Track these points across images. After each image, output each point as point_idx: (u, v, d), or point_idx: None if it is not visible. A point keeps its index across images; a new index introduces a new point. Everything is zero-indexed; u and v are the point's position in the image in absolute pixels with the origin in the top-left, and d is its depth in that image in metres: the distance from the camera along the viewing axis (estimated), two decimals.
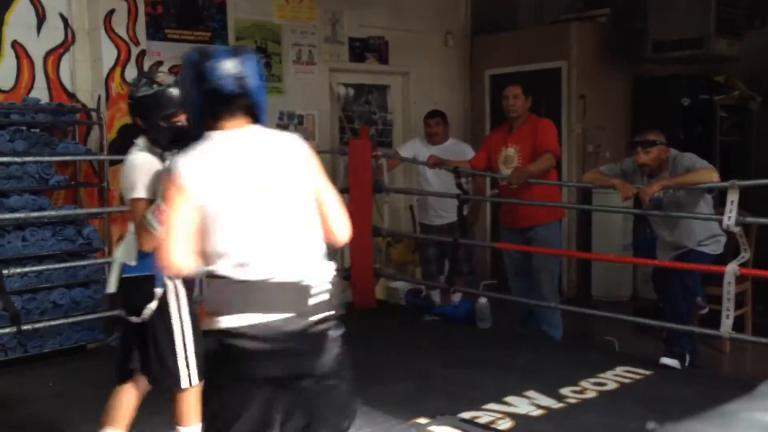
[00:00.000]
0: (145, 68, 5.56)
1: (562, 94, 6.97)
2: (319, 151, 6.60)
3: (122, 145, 5.33)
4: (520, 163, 5.27)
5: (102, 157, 5.38)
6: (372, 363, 4.73)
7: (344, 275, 6.44)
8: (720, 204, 4.71)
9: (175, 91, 2.89)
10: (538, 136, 5.25)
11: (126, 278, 2.99)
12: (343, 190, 6.44)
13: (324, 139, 6.75)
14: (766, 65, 6.98)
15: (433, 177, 6.14)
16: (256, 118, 2.27)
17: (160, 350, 2.98)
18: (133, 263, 2.97)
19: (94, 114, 5.47)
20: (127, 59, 5.54)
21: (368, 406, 3.93)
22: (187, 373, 3.00)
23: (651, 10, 6.73)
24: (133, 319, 3.00)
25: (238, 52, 2.24)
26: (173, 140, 2.85)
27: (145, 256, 2.88)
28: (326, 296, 2.17)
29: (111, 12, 5.46)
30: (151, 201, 2.86)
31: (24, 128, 5.05)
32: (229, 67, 2.18)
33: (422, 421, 3.78)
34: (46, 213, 4.93)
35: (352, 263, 6.27)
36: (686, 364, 4.65)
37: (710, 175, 4.42)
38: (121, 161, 5.20)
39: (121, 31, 5.51)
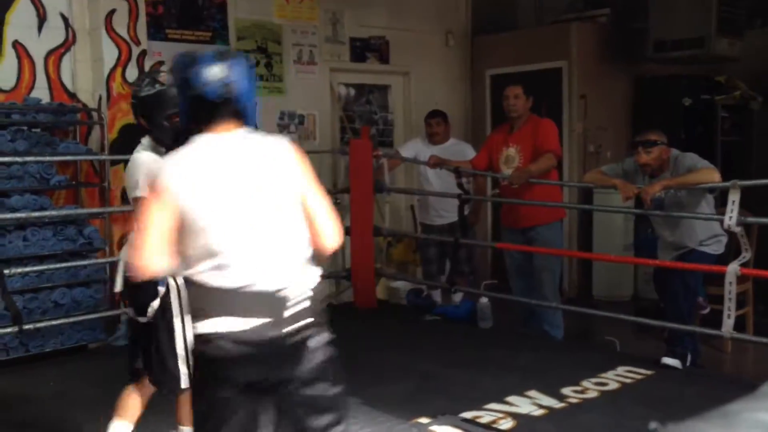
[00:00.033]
0: (146, 68, 5.56)
1: (562, 94, 6.97)
2: (320, 151, 6.65)
3: (123, 145, 5.34)
4: (521, 163, 5.27)
5: (103, 157, 5.38)
6: (373, 363, 4.74)
7: (345, 275, 6.46)
8: (721, 204, 4.71)
9: None
10: (539, 136, 5.25)
11: (130, 277, 3.00)
12: (343, 190, 6.47)
13: (325, 139, 6.75)
14: (766, 65, 6.97)
15: (434, 177, 6.13)
16: (245, 121, 2.25)
17: (161, 350, 2.99)
18: None
19: (95, 114, 5.47)
20: (128, 59, 5.54)
21: (369, 405, 3.94)
22: (187, 374, 3.00)
23: (652, 10, 6.73)
24: (141, 319, 3.01)
25: (225, 57, 2.21)
26: (176, 139, 2.86)
27: None
28: (306, 304, 2.16)
29: (112, 12, 5.46)
30: None
31: (25, 128, 5.05)
32: (214, 72, 2.16)
33: (423, 420, 3.78)
34: (47, 213, 4.94)
35: (353, 263, 6.28)
36: (688, 364, 4.64)
37: (711, 175, 4.42)
38: (122, 161, 5.25)
39: (122, 31, 5.51)
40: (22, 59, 5.27)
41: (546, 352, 5.00)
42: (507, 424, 3.76)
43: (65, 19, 5.44)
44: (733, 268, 4.36)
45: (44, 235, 4.97)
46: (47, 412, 4.03)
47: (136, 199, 2.91)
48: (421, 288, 6.50)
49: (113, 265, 4.57)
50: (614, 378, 4.41)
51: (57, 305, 4.99)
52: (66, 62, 5.45)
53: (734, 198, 4.32)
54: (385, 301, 6.53)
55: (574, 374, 4.40)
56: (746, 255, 4.41)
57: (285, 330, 2.12)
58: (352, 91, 7.18)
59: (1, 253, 4.76)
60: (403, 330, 5.66)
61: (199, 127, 2.21)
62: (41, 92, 5.31)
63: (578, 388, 4.23)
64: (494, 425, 3.74)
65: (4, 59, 5.20)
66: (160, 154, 2.97)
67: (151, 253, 2.09)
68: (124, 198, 4.98)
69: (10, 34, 5.21)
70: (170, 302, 2.99)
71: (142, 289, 2.94)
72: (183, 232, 2.12)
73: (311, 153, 6.47)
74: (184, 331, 2.99)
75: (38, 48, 5.33)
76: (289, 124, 6.52)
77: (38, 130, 5.15)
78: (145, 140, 3.06)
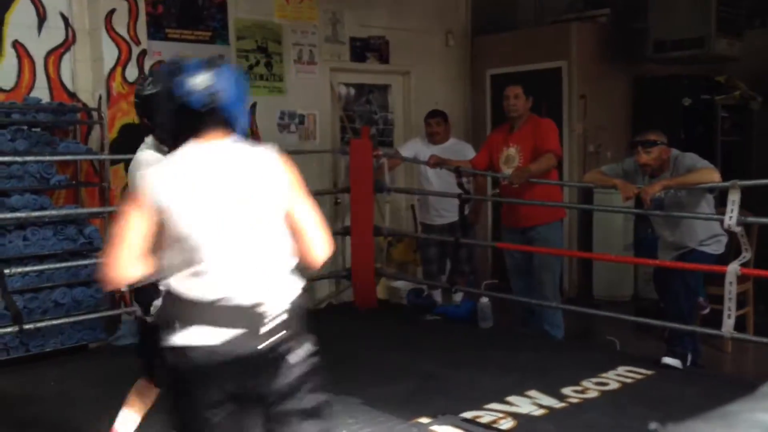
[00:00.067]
0: (146, 68, 5.56)
1: (562, 94, 6.96)
2: (320, 151, 6.65)
3: (123, 144, 5.35)
4: (521, 163, 5.27)
5: (103, 157, 5.38)
6: (373, 362, 4.74)
7: (345, 275, 6.46)
8: (721, 204, 4.70)
9: None
10: (539, 136, 5.25)
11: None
12: (343, 190, 6.47)
13: (325, 139, 6.75)
14: (766, 65, 6.97)
15: (434, 177, 6.14)
16: (233, 131, 2.21)
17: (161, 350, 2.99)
18: None
19: (95, 113, 5.47)
20: (128, 59, 5.54)
21: (369, 405, 3.94)
22: None
23: (651, 10, 6.73)
24: (148, 318, 3.02)
25: (211, 66, 2.17)
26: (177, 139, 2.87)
27: None
28: (284, 317, 2.12)
29: (111, 11, 5.46)
30: None
31: (25, 128, 5.05)
32: (199, 81, 2.13)
33: (424, 420, 3.78)
34: (47, 212, 4.94)
35: (353, 263, 6.28)
36: (688, 363, 4.65)
37: (711, 175, 4.42)
38: (122, 161, 5.25)
39: (122, 31, 5.51)
40: (22, 59, 5.27)
41: (546, 351, 5.00)
42: (507, 424, 3.76)
43: (65, 19, 5.44)
44: (733, 268, 4.36)
45: (44, 235, 4.97)
46: (47, 412, 4.03)
47: None
48: (422, 288, 6.50)
49: None
50: (614, 378, 4.41)
51: (57, 305, 4.99)
52: (66, 62, 5.45)
53: (734, 198, 4.32)
54: (385, 301, 6.53)
55: (575, 374, 4.41)
56: (746, 255, 4.41)
57: (261, 344, 2.08)
58: (352, 91, 7.18)
59: (1, 253, 4.76)
60: (403, 330, 5.66)
61: (186, 135, 2.17)
62: (41, 92, 5.31)
63: (578, 388, 4.23)
64: (494, 425, 3.74)
65: (4, 59, 5.20)
66: (163, 153, 2.97)
67: (123, 262, 2.06)
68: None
69: (10, 34, 5.21)
70: None
71: (144, 289, 2.95)
72: (162, 241, 2.08)
73: (311, 153, 6.55)
74: None
75: (38, 48, 5.33)
76: (289, 124, 6.52)
77: (38, 129, 5.15)
78: (149, 139, 3.07)
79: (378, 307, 6.24)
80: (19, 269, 4.71)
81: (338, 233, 6.58)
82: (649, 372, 4.50)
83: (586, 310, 5.54)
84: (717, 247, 4.65)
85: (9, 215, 4.74)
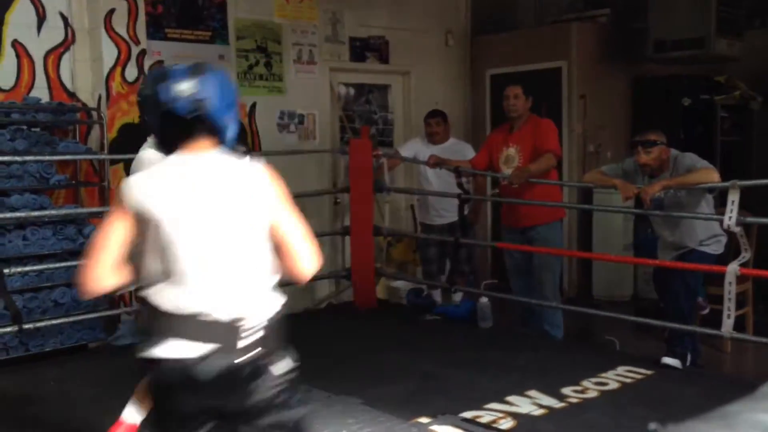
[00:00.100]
0: (146, 68, 5.56)
1: (562, 94, 6.96)
2: (320, 151, 6.65)
3: (123, 144, 5.35)
4: (521, 163, 5.27)
5: (102, 157, 5.38)
6: (373, 362, 4.74)
7: (345, 275, 6.46)
8: (721, 204, 4.71)
9: None
10: (539, 136, 5.25)
11: None
12: (343, 190, 6.47)
13: (324, 139, 6.75)
14: (766, 65, 6.97)
15: (433, 177, 6.13)
16: (221, 141, 2.16)
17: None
18: None
19: (94, 113, 5.47)
20: (128, 59, 5.54)
21: (369, 405, 3.94)
22: None
23: (651, 10, 6.73)
24: None
25: (197, 72, 2.10)
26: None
27: None
28: (261, 333, 2.08)
29: (111, 11, 5.46)
30: None
31: (24, 127, 5.05)
32: (184, 87, 2.07)
33: (424, 420, 3.78)
34: (46, 212, 4.93)
35: (353, 263, 6.28)
36: (687, 363, 4.65)
37: (711, 175, 4.42)
38: (121, 160, 5.25)
39: (122, 31, 5.51)
40: (21, 59, 5.26)
41: (546, 351, 5.00)
42: (507, 423, 3.76)
43: (65, 19, 5.44)
44: (732, 268, 4.36)
45: (44, 235, 4.97)
46: (47, 412, 4.03)
47: None
48: (421, 288, 6.50)
49: None
50: (614, 378, 4.41)
51: (57, 304, 4.99)
52: (65, 62, 5.45)
53: (734, 198, 4.32)
54: (385, 301, 6.53)
55: (574, 374, 4.41)
56: (746, 255, 4.41)
57: (238, 360, 2.05)
58: (352, 91, 7.18)
59: (0, 253, 4.76)
60: (403, 330, 5.66)
61: (172, 143, 2.14)
62: (41, 91, 5.31)
63: (578, 388, 4.23)
64: (494, 425, 3.74)
65: (4, 59, 5.20)
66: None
67: (99, 272, 2.05)
68: None
69: (10, 34, 5.21)
70: None
71: None
72: (142, 251, 2.06)
73: (311, 153, 6.56)
74: None
75: (38, 47, 5.33)
76: (288, 124, 6.52)
77: (38, 129, 5.15)
78: (151, 138, 3.07)
79: (378, 307, 6.24)
80: (19, 269, 4.71)
81: (338, 233, 6.59)
82: (648, 372, 4.50)
83: (585, 310, 5.54)
84: (716, 247, 4.65)
85: (9, 215, 4.74)
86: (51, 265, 4.90)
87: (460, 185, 5.76)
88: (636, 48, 6.87)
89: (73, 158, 5.29)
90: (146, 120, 3.06)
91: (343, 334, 5.55)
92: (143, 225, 2.05)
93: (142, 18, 5.60)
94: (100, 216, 5.38)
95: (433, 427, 3.70)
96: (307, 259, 2.18)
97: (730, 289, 4.35)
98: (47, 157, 5.00)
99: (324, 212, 6.71)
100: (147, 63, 5.61)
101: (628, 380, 4.39)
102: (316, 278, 6.04)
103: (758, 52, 6.88)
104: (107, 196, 5.41)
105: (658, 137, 4.55)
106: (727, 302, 4.37)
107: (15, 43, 5.23)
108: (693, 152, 4.67)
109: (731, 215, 4.32)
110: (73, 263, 5.00)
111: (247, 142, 6.07)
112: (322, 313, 6.39)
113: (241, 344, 2.06)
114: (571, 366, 4.60)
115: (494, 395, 4.08)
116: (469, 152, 6.02)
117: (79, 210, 5.23)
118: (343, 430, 3.67)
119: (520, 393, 4.13)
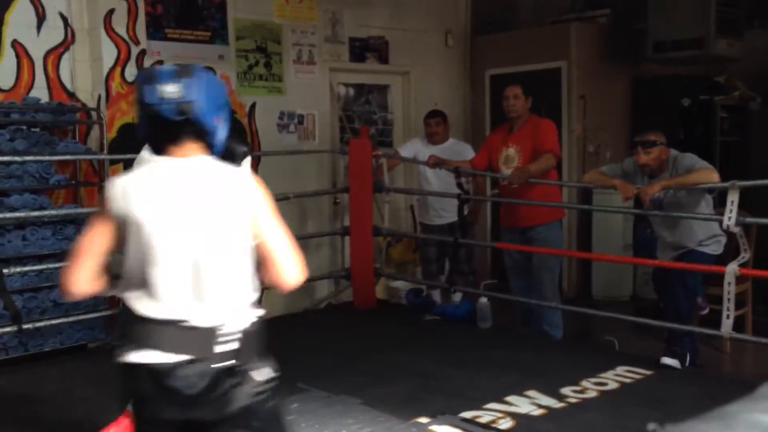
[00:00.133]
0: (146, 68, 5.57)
1: (562, 95, 6.97)
2: (320, 151, 6.65)
3: (122, 144, 5.35)
4: (520, 163, 5.27)
5: (102, 157, 5.38)
6: (372, 362, 4.74)
7: (344, 275, 6.46)
8: (720, 204, 4.71)
9: None
10: (539, 137, 5.25)
11: None
12: (343, 190, 6.47)
13: (324, 139, 6.75)
14: (766, 65, 6.98)
15: (433, 177, 6.14)
16: (210, 144, 2.12)
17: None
18: None
19: (94, 113, 5.47)
20: (127, 59, 5.53)
21: (369, 405, 3.95)
22: None
23: (651, 11, 6.73)
24: None
25: (185, 74, 2.06)
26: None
27: None
28: (237, 343, 2.06)
29: (111, 11, 5.46)
30: None
31: (24, 127, 5.05)
32: (170, 90, 2.02)
33: (423, 420, 3.78)
34: (46, 212, 4.93)
35: (353, 263, 6.28)
36: (687, 364, 4.65)
37: (710, 176, 4.42)
38: (121, 160, 5.25)
39: (121, 31, 5.50)
40: (21, 59, 5.26)
41: (545, 351, 5.01)
42: (506, 423, 3.76)
43: (64, 19, 5.44)
44: (732, 269, 4.36)
45: (43, 235, 4.97)
46: (47, 412, 4.03)
47: None
48: (421, 288, 6.50)
49: None
50: (614, 378, 4.41)
51: (56, 304, 4.99)
52: (65, 62, 5.45)
53: (733, 198, 4.32)
54: (384, 301, 6.53)
55: (574, 374, 4.41)
56: (745, 255, 4.42)
57: (214, 366, 2.03)
58: (352, 91, 7.18)
59: (0, 253, 4.76)
60: (403, 330, 5.66)
61: (158, 146, 2.11)
62: (40, 92, 5.31)
63: (578, 388, 4.23)
64: (494, 425, 3.74)
65: (4, 59, 5.20)
66: None
67: (81, 276, 2.05)
68: None
69: (10, 34, 5.21)
70: None
71: None
72: (123, 255, 2.06)
73: (310, 153, 6.56)
74: None
75: (37, 47, 5.32)
76: (288, 124, 6.52)
77: (37, 129, 5.14)
78: None
79: (377, 307, 6.24)
80: (18, 269, 4.71)
81: (337, 233, 6.59)
82: (648, 372, 4.50)
83: (585, 310, 5.54)
84: (716, 248, 4.65)
85: (8, 215, 4.74)
86: (50, 265, 4.89)
87: (459, 185, 5.77)
88: (636, 48, 6.87)
89: (72, 158, 5.28)
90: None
91: (343, 334, 5.55)
92: (125, 227, 2.04)
93: (141, 18, 5.60)
94: None
95: (433, 427, 3.71)
96: (291, 269, 2.15)
97: (729, 290, 4.36)
98: (47, 157, 5.00)
99: (323, 212, 6.72)
100: (147, 63, 5.61)
101: (628, 380, 4.39)
102: (315, 278, 6.13)
103: (758, 52, 6.89)
104: None
105: (657, 137, 4.55)
106: (727, 302, 4.37)
107: (15, 43, 5.23)
108: (692, 152, 4.67)
109: (731, 215, 4.32)
110: None
111: (248, 142, 6.07)
112: (322, 313, 6.39)
113: (218, 350, 2.04)
114: (570, 366, 4.60)
115: (494, 395, 4.08)
116: (468, 152, 6.02)
117: (79, 210, 5.22)
118: (342, 430, 3.67)
119: (520, 393, 4.13)
